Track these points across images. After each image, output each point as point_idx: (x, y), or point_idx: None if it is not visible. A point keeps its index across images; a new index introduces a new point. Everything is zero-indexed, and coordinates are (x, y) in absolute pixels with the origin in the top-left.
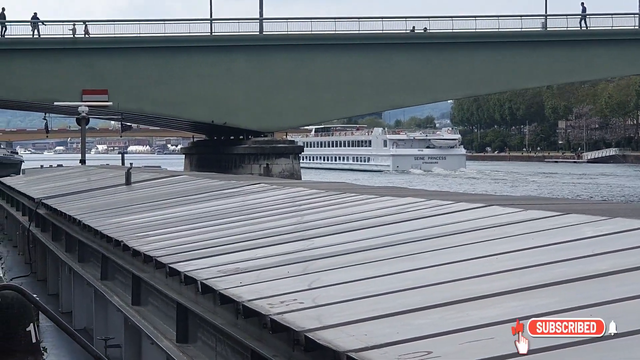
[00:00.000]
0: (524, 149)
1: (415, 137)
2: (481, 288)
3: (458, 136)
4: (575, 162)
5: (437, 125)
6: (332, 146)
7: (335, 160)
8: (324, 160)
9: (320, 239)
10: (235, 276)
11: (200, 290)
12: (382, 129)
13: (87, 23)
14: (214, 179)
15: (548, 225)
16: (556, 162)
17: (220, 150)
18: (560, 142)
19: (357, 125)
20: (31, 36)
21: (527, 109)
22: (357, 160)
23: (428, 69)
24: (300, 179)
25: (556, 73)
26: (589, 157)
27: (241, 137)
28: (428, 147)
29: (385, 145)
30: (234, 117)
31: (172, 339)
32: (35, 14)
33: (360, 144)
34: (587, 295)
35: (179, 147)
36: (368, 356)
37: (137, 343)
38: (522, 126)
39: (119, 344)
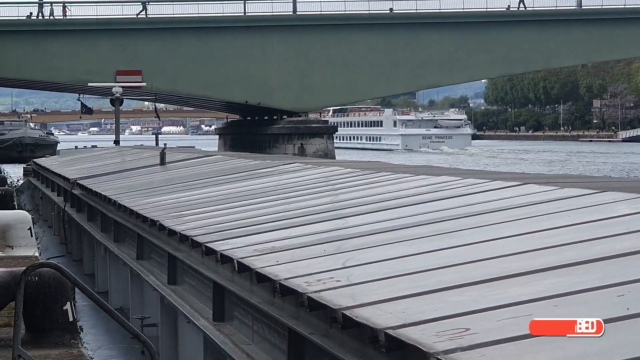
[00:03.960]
0: (562, 128)
1: (424, 118)
2: (518, 265)
3: (464, 116)
4: (610, 141)
5: (471, 105)
6: (348, 126)
7: (350, 139)
8: (339, 139)
9: (355, 218)
10: (271, 255)
11: (236, 269)
12: (392, 109)
13: (76, 4)
14: (248, 158)
15: (584, 203)
16: (591, 141)
17: (255, 130)
18: (595, 121)
19: (370, 106)
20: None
21: (561, 88)
22: (370, 140)
23: (463, 48)
24: (334, 158)
25: (591, 51)
26: (624, 136)
27: (275, 117)
28: (435, 127)
29: (395, 126)
30: (268, 97)
31: (208, 317)
32: None
33: (372, 124)
34: (624, 272)
35: (213, 127)
36: (406, 333)
37: (174, 322)
38: (556, 105)
39: (155, 323)
